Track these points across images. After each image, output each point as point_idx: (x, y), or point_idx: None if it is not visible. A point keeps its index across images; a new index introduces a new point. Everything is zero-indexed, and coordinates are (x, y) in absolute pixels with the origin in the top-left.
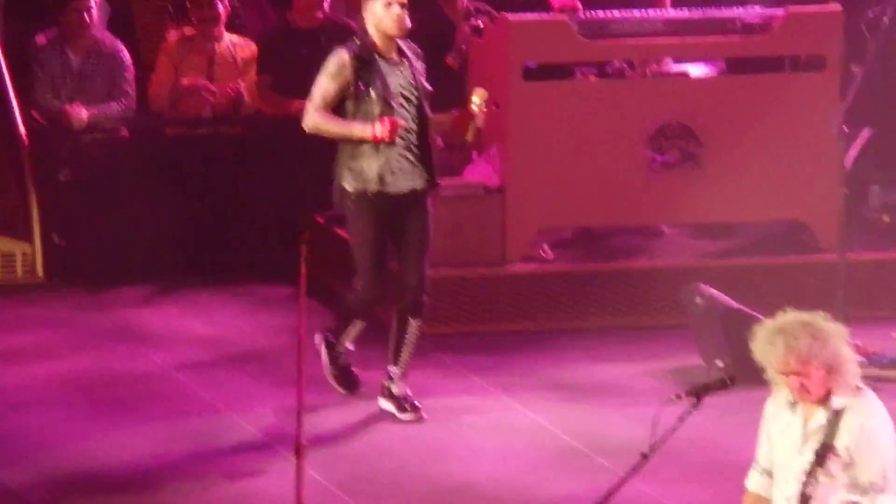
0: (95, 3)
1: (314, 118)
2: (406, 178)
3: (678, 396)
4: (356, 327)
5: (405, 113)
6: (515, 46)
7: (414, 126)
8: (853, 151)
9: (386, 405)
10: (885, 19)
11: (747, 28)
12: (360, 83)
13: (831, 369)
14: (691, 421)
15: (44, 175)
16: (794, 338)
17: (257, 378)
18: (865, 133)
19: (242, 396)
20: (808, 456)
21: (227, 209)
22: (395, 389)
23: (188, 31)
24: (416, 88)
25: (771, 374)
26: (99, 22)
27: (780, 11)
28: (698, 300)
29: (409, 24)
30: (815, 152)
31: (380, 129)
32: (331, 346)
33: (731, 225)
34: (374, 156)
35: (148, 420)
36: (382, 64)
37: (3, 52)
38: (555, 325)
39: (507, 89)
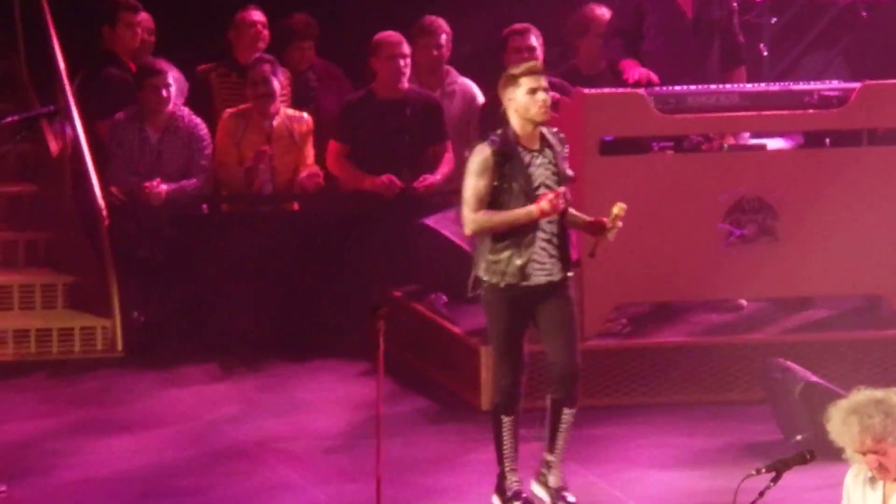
0: (174, 78)
1: (475, 219)
2: (544, 272)
3: (758, 471)
4: (508, 430)
5: None
6: (591, 120)
7: (555, 217)
8: None
9: (539, 492)
10: None
11: (824, 101)
12: (503, 179)
13: None
14: (771, 496)
15: (122, 251)
16: (868, 416)
17: (337, 454)
18: None
19: (322, 472)
20: None
21: (304, 285)
22: (551, 480)
23: (243, 106)
24: (559, 176)
25: (849, 452)
26: (177, 97)
27: (856, 84)
28: (777, 375)
29: (550, 108)
30: (892, 225)
31: (545, 204)
32: (501, 490)
33: (809, 299)
34: (517, 251)
35: (231, 499)
36: (525, 154)
37: (84, 130)
38: (632, 400)
39: (584, 163)
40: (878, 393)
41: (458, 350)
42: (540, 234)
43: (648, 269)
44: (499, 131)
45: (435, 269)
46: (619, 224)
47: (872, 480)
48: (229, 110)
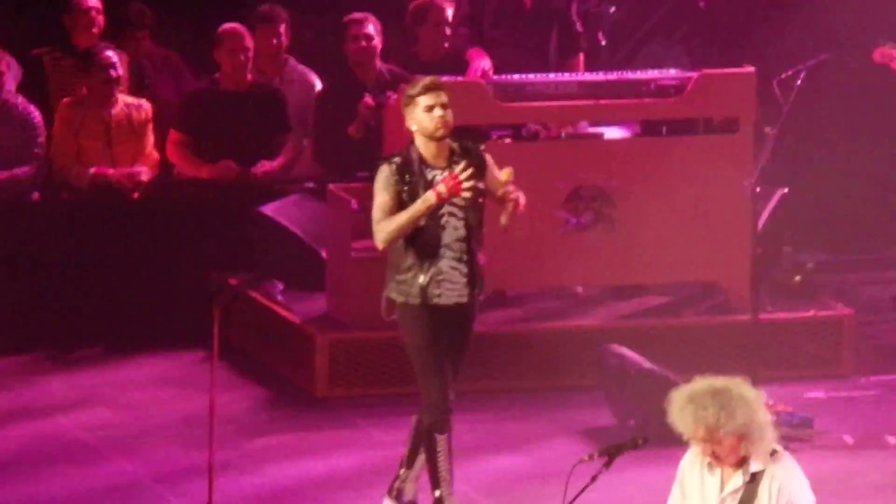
0: (7, 65)
1: (379, 228)
2: (454, 292)
3: (590, 456)
4: (442, 448)
5: (454, 221)
6: None
7: (464, 233)
8: (766, 212)
9: None
10: (798, 81)
11: (661, 90)
12: (405, 196)
13: (742, 437)
14: (604, 481)
15: None
16: (703, 408)
17: (171, 441)
18: (778, 194)
19: (156, 460)
20: None
21: (141, 272)
22: (407, 494)
23: (80, 95)
24: (469, 190)
25: (687, 437)
26: (10, 84)
27: (693, 74)
28: (611, 360)
29: (451, 123)
30: (728, 214)
31: (441, 187)
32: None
33: (644, 286)
34: (421, 269)
35: (62, 488)
36: (428, 172)
37: None
38: (468, 386)
39: None
40: (718, 383)
41: (294, 337)
42: (447, 253)
43: (486, 258)
44: (401, 151)
45: (272, 257)
46: (511, 189)
47: (711, 465)
48: (66, 100)
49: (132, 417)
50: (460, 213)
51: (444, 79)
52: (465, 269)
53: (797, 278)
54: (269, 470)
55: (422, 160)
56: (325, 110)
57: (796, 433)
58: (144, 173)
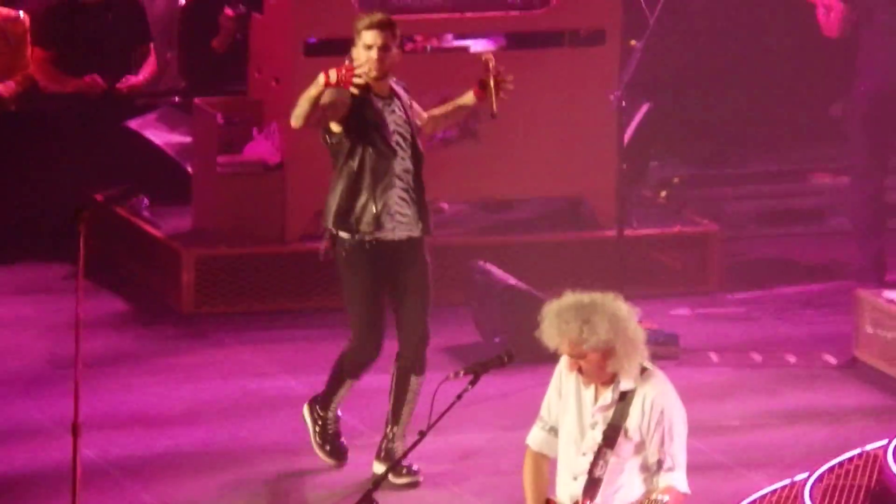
0: None
1: (292, 113)
2: (404, 225)
3: (456, 374)
4: (346, 387)
5: (401, 152)
6: (296, 22)
7: (410, 166)
8: (631, 127)
9: (380, 468)
10: None
11: (527, 3)
12: (359, 120)
13: (606, 354)
14: (471, 397)
15: None
16: (566, 321)
17: (38, 360)
18: (644, 108)
19: (24, 378)
20: (598, 435)
21: (3, 188)
22: (396, 452)
23: None
24: (410, 125)
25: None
26: None
27: None
28: (477, 277)
29: (387, 65)
30: (594, 128)
31: (333, 73)
32: (318, 415)
33: (511, 201)
34: (371, 197)
35: None
36: (376, 101)
37: None
38: (335, 303)
39: (288, 65)
40: (586, 298)
41: (160, 253)
42: (397, 182)
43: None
44: None
45: (137, 172)
46: (500, 68)
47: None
48: None
49: None
50: (405, 145)
51: None
52: (412, 200)
53: (662, 193)
54: (135, 387)
55: (368, 88)
56: (188, 23)
57: (662, 350)
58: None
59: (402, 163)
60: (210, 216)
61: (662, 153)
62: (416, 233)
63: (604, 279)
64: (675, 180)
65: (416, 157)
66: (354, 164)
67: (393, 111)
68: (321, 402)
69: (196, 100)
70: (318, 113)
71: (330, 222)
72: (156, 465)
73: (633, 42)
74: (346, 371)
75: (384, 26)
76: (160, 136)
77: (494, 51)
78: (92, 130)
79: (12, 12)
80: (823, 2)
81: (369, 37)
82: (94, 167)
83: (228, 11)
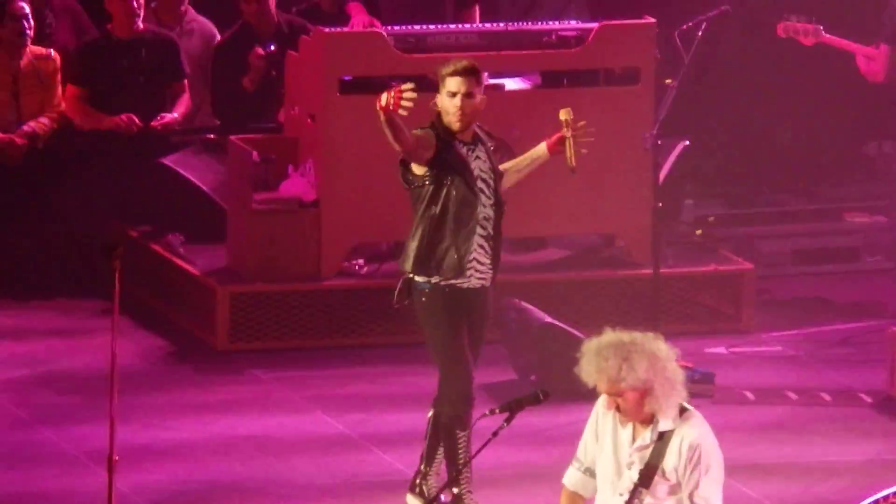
0: None
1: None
2: (480, 274)
3: (492, 411)
4: (463, 446)
5: (484, 198)
6: (331, 59)
7: (491, 213)
8: (667, 165)
9: (415, 502)
10: (699, 32)
11: (562, 41)
12: (441, 166)
13: (645, 393)
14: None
15: None
16: (605, 359)
17: (71, 395)
18: (679, 146)
19: (56, 414)
20: (634, 475)
21: (38, 226)
22: (428, 489)
23: None
24: (493, 172)
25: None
26: None
27: (594, 24)
28: (512, 315)
29: (471, 112)
30: (628, 166)
31: (383, 97)
32: (421, 489)
33: (543, 239)
34: (453, 243)
35: None
36: (460, 146)
37: None
38: (370, 340)
39: (322, 102)
40: (626, 336)
41: (195, 290)
42: (478, 229)
43: (387, 209)
44: (428, 126)
45: (172, 209)
46: (579, 124)
47: (621, 419)
48: None
49: (30, 369)
50: (488, 192)
51: (344, 30)
52: (490, 251)
53: (698, 232)
54: (170, 423)
55: (452, 133)
56: (221, 62)
57: (697, 389)
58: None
59: (483, 209)
60: (245, 253)
61: (697, 191)
62: (488, 283)
63: (638, 317)
64: (711, 219)
65: (498, 205)
66: (437, 208)
67: (477, 157)
68: (422, 474)
69: (231, 137)
70: (401, 135)
71: (409, 267)
72: (190, 501)
73: (668, 81)
74: (450, 427)
75: (468, 73)
76: (195, 174)
77: (566, 110)
78: (126, 167)
79: (44, 50)
80: (864, 52)
81: (453, 84)
82: (128, 204)
83: (259, 50)
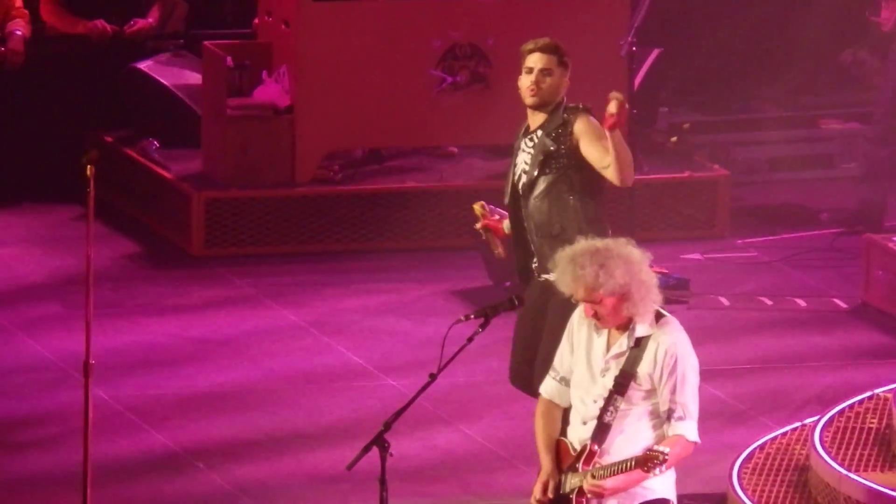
0: None
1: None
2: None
3: (466, 317)
4: None
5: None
6: None
7: (529, 207)
8: (641, 72)
9: None
10: None
11: None
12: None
13: (622, 298)
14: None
15: None
16: (581, 267)
17: (47, 301)
18: (654, 54)
19: (33, 319)
20: (609, 381)
21: (12, 131)
22: None
23: None
24: (534, 164)
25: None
26: None
27: None
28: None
29: (547, 91)
30: (604, 74)
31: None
32: None
33: None
34: (515, 244)
35: None
36: (522, 139)
37: None
38: (343, 246)
39: (297, 8)
40: (599, 243)
41: (170, 195)
42: (526, 227)
43: (361, 115)
44: None
45: (147, 115)
46: (489, 218)
47: (597, 326)
48: None
49: (5, 274)
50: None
51: None
52: (530, 245)
53: (673, 139)
54: (147, 328)
55: (525, 125)
56: None
57: (672, 295)
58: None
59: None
60: (220, 159)
61: (672, 99)
62: (540, 277)
63: (614, 224)
64: (686, 126)
65: (526, 198)
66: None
67: (528, 148)
68: None
69: (206, 42)
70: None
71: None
72: (168, 405)
73: None
74: None
75: (546, 49)
76: (170, 79)
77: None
78: (100, 72)
79: None
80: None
81: (531, 60)
82: (102, 109)
83: None
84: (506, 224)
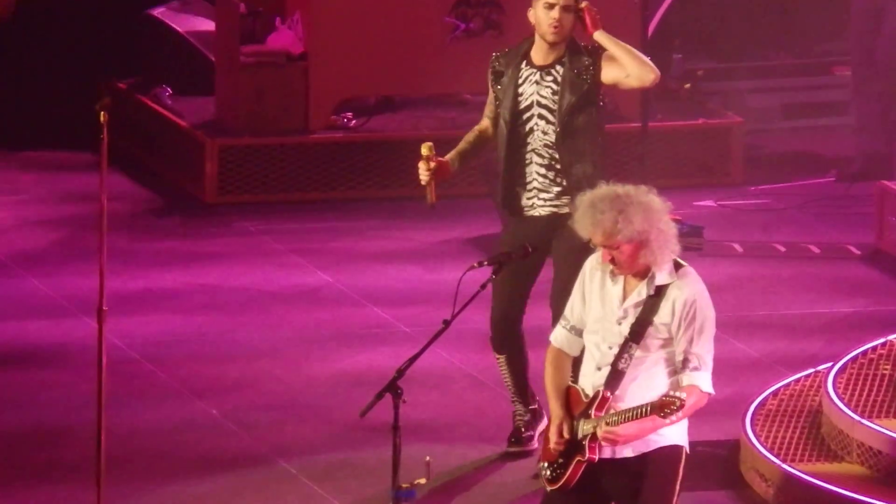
0: None
1: None
2: (543, 202)
3: (480, 264)
4: None
5: (545, 125)
6: None
7: (553, 140)
8: (655, 19)
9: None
10: None
11: None
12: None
13: (640, 245)
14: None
15: None
16: (601, 212)
17: (61, 246)
18: (668, 1)
19: (47, 265)
20: (625, 329)
21: (25, 79)
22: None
23: None
24: (560, 96)
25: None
26: None
27: None
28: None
29: (566, 29)
30: (617, 20)
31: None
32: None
33: None
34: (507, 174)
35: None
36: (525, 70)
37: None
38: (357, 193)
39: None
40: (620, 189)
41: (183, 142)
42: (536, 160)
43: (374, 63)
44: (519, 42)
45: (160, 61)
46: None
47: (614, 273)
48: None
49: (19, 222)
50: (552, 117)
51: None
52: (553, 178)
53: (686, 86)
54: (159, 275)
55: (526, 56)
56: None
57: (686, 242)
58: None
59: (543, 137)
60: (233, 106)
61: (687, 46)
62: (560, 211)
63: (628, 170)
64: (699, 73)
65: (565, 131)
66: (496, 140)
67: (540, 81)
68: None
69: None
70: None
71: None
72: (181, 352)
73: None
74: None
75: None
76: (183, 25)
77: None
78: (113, 19)
79: None
80: None
81: None
82: (115, 56)
83: None
84: (453, 162)
